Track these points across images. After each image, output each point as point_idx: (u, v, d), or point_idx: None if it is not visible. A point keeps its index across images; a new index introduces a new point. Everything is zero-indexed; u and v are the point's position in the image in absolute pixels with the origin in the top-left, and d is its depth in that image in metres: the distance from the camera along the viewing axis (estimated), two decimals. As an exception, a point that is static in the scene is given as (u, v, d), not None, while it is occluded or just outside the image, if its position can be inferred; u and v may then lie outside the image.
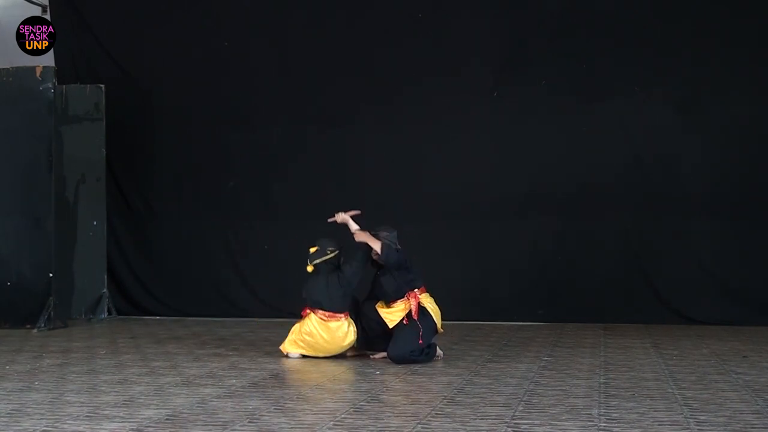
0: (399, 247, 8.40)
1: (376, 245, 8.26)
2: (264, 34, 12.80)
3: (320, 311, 8.36)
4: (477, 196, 12.12)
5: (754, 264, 11.62)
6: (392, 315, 8.28)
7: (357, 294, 8.63)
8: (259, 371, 7.75)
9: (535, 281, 11.98)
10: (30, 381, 7.26)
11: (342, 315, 8.36)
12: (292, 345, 8.52)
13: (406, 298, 8.30)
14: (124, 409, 6.07)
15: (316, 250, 8.47)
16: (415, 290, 8.34)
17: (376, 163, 12.45)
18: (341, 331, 8.35)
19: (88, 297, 12.36)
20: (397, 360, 8.15)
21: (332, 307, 8.34)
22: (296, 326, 8.54)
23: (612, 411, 5.96)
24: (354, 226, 8.57)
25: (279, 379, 7.38)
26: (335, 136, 12.58)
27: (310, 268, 8.42)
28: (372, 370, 7.81)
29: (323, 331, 8.35)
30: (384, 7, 12.59)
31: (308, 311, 8.46)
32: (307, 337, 8.41)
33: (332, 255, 8.45)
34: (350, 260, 8.47)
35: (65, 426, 5.54)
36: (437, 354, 8.46)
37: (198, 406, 6.14)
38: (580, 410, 5.99)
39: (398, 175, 12.37)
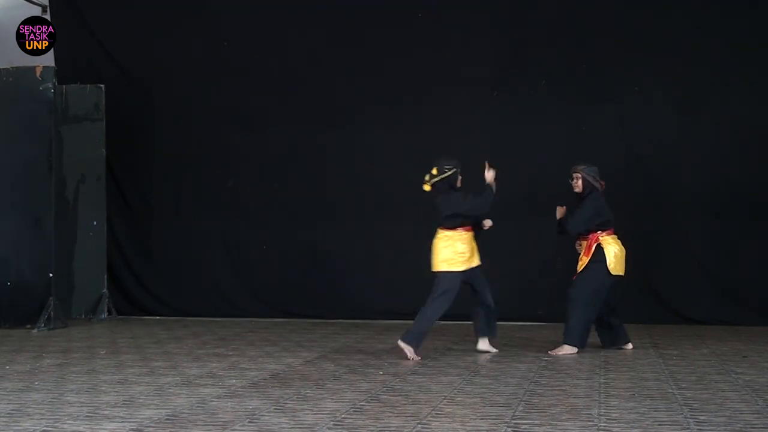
0: (599, 183, 9.14)
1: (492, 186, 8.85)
2: (263, 34, 12.79)
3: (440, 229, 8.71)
4: (476, 195, 12.11)
5: (754, 264, 11.63)
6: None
7: None
8: (259, 371, 7.75)
9: (535, 281, 11.98)
10: (30, 381, 7.26)
11: (465, 229, 8.74)
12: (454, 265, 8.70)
13: (589, 237, 9.01)
14: (124, 409, 6.07)
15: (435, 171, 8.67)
16: (600, 232, 8.99)
17: (376, 162, 12.45)
18: (443, 243, 8.71)
19: (88, 297, 12.36)
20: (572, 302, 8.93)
21: (443, 225, 8.70)
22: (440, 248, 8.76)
23: (612, 411, 5.96)
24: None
25: (279, 379, 7.38)
26: (335, 136, 12.57)
27: (427, 187, 8.63)
28: (372, 370, 7.81)
29: (438, 243, 8.70)
30: (384, 6, 12.59)
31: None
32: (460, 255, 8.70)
33: (450, 173, 8.65)
34: (479, 194, 8.77)
35: (65, 426, 5.54)
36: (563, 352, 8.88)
37: (198, 406, 6.14)
38: (580, 410, 5.99)
39: (398, 175, 12.35)
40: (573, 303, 8.96)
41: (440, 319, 11.90)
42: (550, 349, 9.01)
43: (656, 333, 10.56)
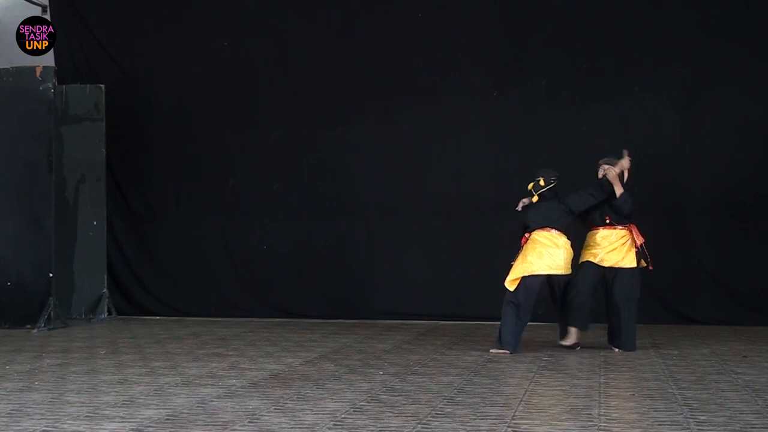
0: None
1: (619, 190, 9.13)
2: (263, 34, 12.80)
3: (550, 230, 9.02)
4: (477, 195, 12.11)
5: (754, 264, 11.63)
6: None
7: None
8: (259, 371, 7.75)
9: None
10: (30, 381, 7.26)
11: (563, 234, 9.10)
12: (532, 266, 8.93)
13: (627, 228, 9.19)
14: (124, 409, 6.07)
15: (536, 182, 9.16)
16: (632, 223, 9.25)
17: (376, 162, 12.45)
18: (568, 245, 9.04)
19: (88, 297, 12.36)
20: (622, 303, 9.06)
21: (559, 226, 9.06)
22: (520, 257, 9.04)
23: (612, 411, 5.96)
24: (616, 170, 9.28)
25: (279, 379, 7.38)
26: (335, 135, 12.58)
27: (535, 199, 9.14)
28: (372, 370, 7.81)
29: (560, 244, 8.98)
30: (384, 6, 12.59)
31: (529, 235, 9.09)
32: (545, 250, 8.93)
33: (555, 183, 9.13)
34: (585, 190, 9.22)
35: (65, 426, 5.54)
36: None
37: (198, 406, 6.14)
38: (580, 410, 5.99)
39: (398, 175, 12.37)
40: (628, 307, 9.12)
41: (440, 319, 12.02)
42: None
43: (656, 333, 10.55)
